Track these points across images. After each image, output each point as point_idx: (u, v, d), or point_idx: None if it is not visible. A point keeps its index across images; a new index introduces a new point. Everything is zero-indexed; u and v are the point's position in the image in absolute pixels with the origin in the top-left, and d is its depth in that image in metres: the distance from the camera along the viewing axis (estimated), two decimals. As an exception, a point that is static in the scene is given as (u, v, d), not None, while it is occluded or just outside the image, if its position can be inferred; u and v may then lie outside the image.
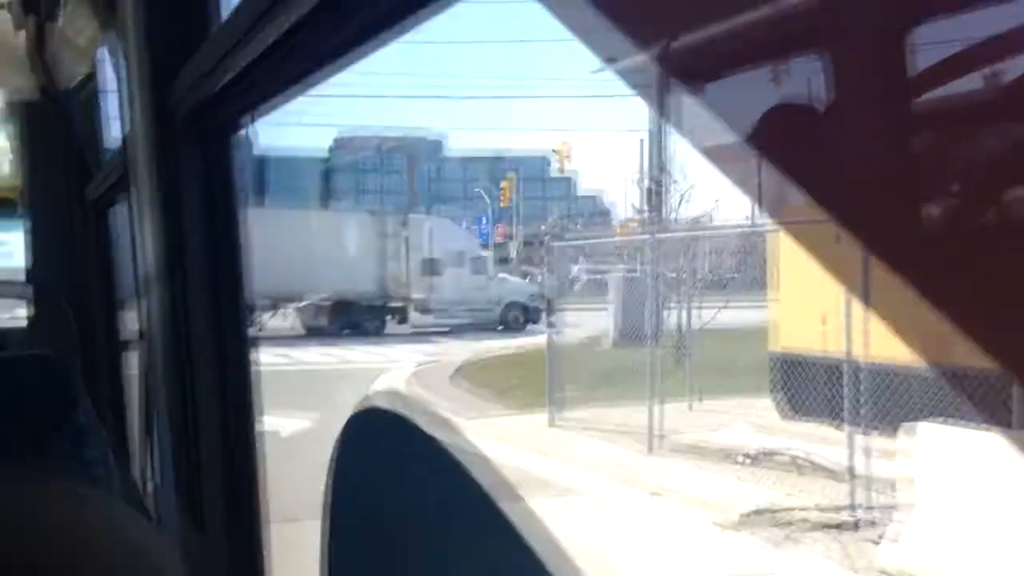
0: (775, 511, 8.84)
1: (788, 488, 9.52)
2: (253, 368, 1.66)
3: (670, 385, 13.77)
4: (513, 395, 16.62)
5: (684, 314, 15.84)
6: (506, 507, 0.72)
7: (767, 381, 14.45)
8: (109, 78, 2.50)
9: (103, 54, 3.05)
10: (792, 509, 8.87)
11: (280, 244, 31.66)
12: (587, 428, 13.50)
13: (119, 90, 1.86)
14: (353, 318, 31.66)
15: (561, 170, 31.94)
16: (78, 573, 0.45)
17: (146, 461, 2.79)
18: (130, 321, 2.85)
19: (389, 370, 21.10)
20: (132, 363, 2.88)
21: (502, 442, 12.33)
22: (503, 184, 52.96)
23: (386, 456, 0.93)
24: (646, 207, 28.90)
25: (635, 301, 21.17)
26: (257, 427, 1.65)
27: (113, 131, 3.51)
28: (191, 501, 1.60)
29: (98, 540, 0.45)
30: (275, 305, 32.12)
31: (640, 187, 31.16)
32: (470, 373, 20.04)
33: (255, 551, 1.61)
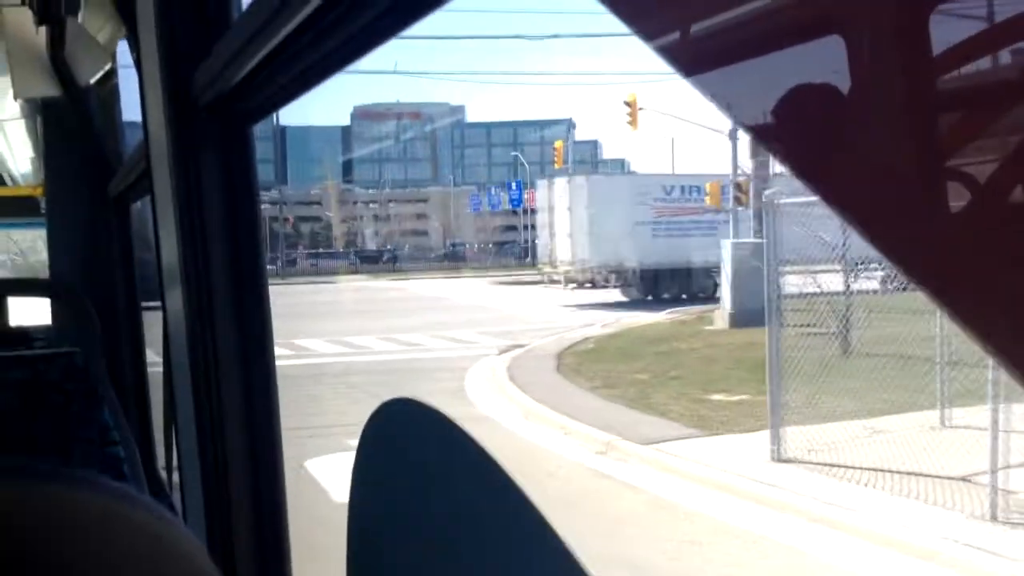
0: None
1: None
2: (276, 362, 1.65)
3: (848, 384, 9.88)
4: (658, 399, 12.55)
5: (847, 284, 11.31)
6: None
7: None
8: (129, 73, 2.50)
9: (123, 49, 3.05)
10: None
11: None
12: (831, 464, 8.80)
13: (139, 85, 1.86)
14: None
15: (633, 124, 30.14)
16: (104, 568, 0.44)
17: (171, 457, 2.80)
18: (153, 317, 2.85)
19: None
20: (156, 359, 2.88)
21: (723, 491, 8.45)
22: (556, 144, 52.05)
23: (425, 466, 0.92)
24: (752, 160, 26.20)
25: (756, 270, 19.18)
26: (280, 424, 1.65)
27: (134, 127, 3.52)
28: (217, 498, 1.60)
29: (125, 533, 0.44)
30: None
31: (734, 139, 28.25)
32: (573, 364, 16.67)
33: (282, 547, 1.60)
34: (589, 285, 34.39)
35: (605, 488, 9.04)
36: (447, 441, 0.84)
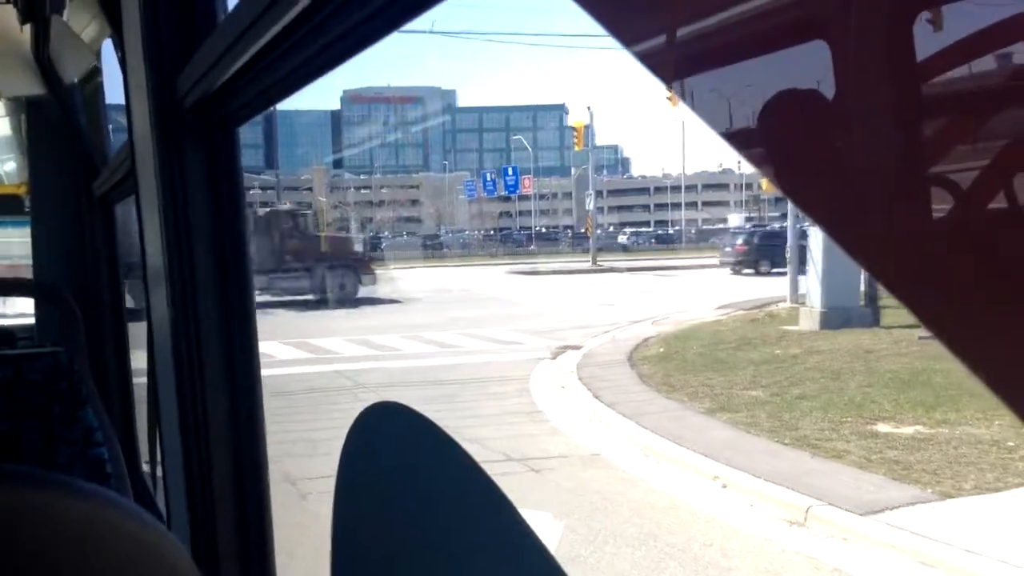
0: None
1: None
2: (260, 363, 1.65)
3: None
4: (808, 431, 9.70)
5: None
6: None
7: None
8: (114, 73, 2.49)
9: (108, 49, 3.04)
10: None
11: None
12: None
13: (124, 85, 1.85)
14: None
15: (673, 100, 28.83)
16: (88, 574, 0.44)
17: (155, 458, 2.79)
18: (137, 317, 2.85)
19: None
20: (140, 359, 2.88)
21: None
22: (577, 124, 51.12)
23: (404, 462, 0.92)
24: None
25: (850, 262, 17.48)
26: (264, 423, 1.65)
27: (120, 125, 3.51)
28: (200, 498, 1.60)
29: (106, 538, 0.44)
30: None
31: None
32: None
33: (265, 549, 1.60)
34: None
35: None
36: (432, 446, 0.85)
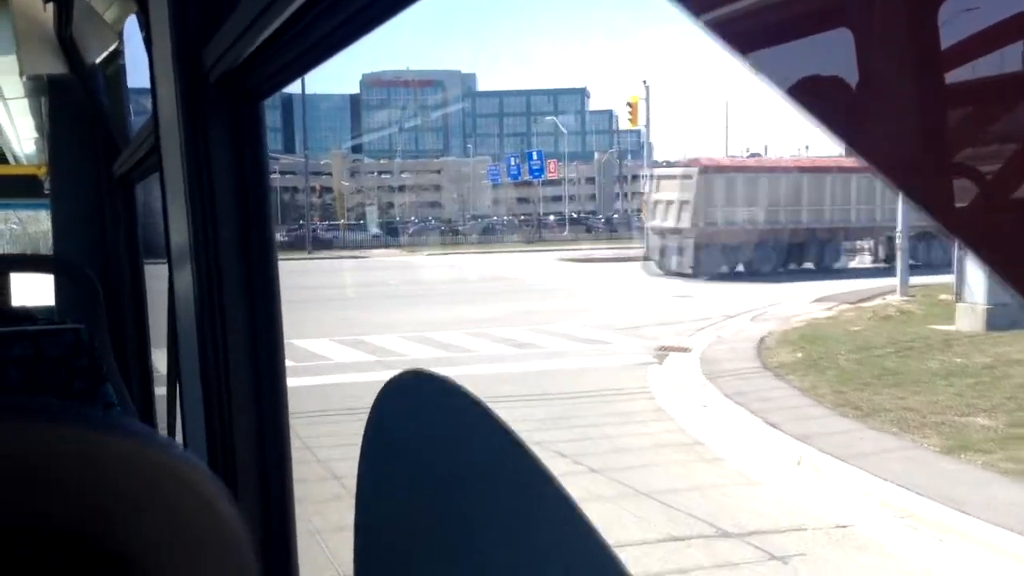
0: None
1: None
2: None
3: None
4: None
5: None
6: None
7: None
8: (136, 52, 2.49)
9: (130, 28, 3.05)
10: None
11: None
12: None
13: (149, 61, 1.85)
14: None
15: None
16: (125, 506, 0.44)
17: (174, 435, 2.80)
18: (158, 295, 2.86)
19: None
20: (161, 337, 2.89)
21: None
22: (632, 99, 48.63)
23: (432, 432, 0.92)
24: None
25: None
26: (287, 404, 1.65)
27: (140, 106, 3.51)
28: (223, 476, 1.60)
29: (146, 471, 0.44)
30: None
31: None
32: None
33: (287, 523, 1.61)
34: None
35: None
36: (465, 416, 0.83)
